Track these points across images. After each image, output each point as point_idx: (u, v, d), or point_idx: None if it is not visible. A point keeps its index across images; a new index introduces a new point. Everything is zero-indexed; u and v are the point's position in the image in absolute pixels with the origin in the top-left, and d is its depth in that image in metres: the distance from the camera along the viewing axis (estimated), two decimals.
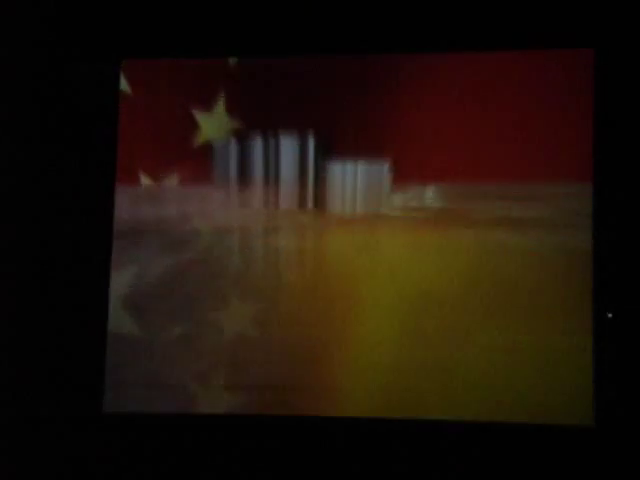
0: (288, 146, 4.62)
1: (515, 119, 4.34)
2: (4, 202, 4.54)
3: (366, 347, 4.27)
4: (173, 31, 4.67)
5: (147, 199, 4.72)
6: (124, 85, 4.71)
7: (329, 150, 4.56)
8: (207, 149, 4.69)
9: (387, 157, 4.48)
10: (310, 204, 4.51)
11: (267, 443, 4.41)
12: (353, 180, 4.52)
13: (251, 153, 4.65)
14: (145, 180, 4.76)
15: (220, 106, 4.70)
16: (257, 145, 4.65)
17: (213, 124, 4.68)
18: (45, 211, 4.68)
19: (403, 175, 4.46)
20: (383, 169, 4.51)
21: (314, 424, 4.42)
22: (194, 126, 4.68)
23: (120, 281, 4.69)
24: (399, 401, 4.26)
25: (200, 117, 4.69)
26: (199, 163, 4.68)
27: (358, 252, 4.36)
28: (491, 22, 4.43)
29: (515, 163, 4.35)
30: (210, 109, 4.70)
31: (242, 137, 4.64)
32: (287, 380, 4.37)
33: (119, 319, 4.65)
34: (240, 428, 4.48)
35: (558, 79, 4.26)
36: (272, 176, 4.61)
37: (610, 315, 4.18)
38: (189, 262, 4.57)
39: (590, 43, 4.33)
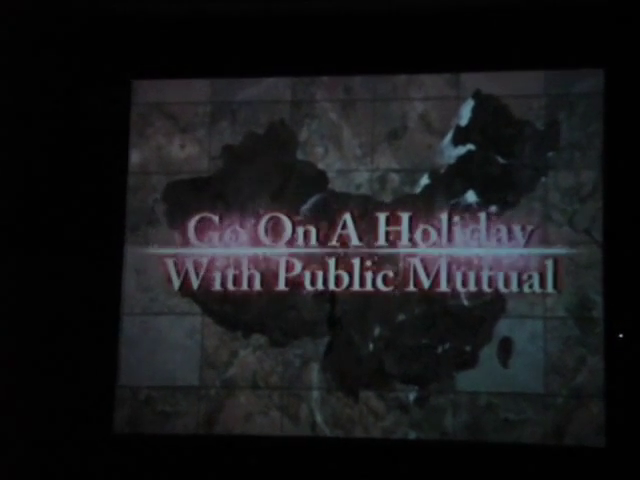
0: None
1: None
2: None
3: None
4: (180, 54, 4.99)
5: None
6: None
7: None
8: None
9: None
10: None
11: (281, 463, 4.77)
12: None
13: None
14: None
15: None
16: None
17: None
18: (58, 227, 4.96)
19: None
20: None
21: (327, 444, 4.83)
22: None
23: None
24: None
25: None
26: None
27: None
28: (507, 43, 4.81)
29: None
30: None
31: None
32: None
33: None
34: (252, 448, 4.85)
35: None
36: None
37: (621, 336, 4.59)
38: None
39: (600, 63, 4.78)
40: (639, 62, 4.77)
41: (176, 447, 4.83)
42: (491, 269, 4.84)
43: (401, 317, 4.88)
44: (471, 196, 4.91)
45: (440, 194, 4.94)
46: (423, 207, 4.94)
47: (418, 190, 4.97)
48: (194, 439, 4.85)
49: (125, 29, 5.02)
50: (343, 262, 4.94)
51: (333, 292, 4.92)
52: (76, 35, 4.99)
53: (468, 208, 4.91)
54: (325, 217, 5.00)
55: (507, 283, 4.81)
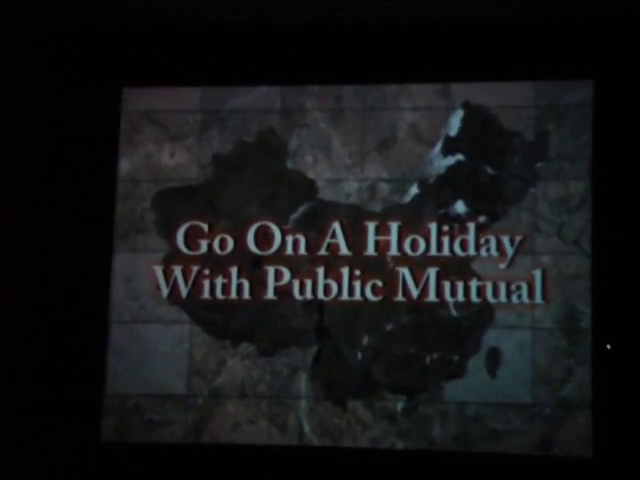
0: None
1: None
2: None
3: None
4: (170, 62, 5.00)
5: None
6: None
7: None
8: None
9: None
10: None
11: (268, 472, 4.76)
12: None
13: None
14: None
15: None
16: None
17: None
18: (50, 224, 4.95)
19: None
20: None
21: (313, 454, 4.83)
22: None
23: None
24: None
25: None
26: None
27: None
28: (495, 53, 4.84)
29: None
30: None
31: None
32: None
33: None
34: (240, 457, 4.82)
35: None
36: None
37: (609, 347, 4.61)
38: None
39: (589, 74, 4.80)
40: (628, 73, 4.75)
41: (164, 456, 4.81)
42: (479, 279, 4.85)
43: (389, 327, 4.86)
44: (460, 206, 4.90)
45: (429, 204, 4.93)
46: (412, 217, 4.94)
47: (407, 200, 4.96)
48: (182, 447, 4.83)
49: (115, 37, 5.00)
50: (332, 271, 4.93)
51: (321, 301, 4.91)
52: (66, 42, 4.98)
53: (457, 218, 4.90)
54: (315, 226, 4.99)
55: (495, 293, 4.81)
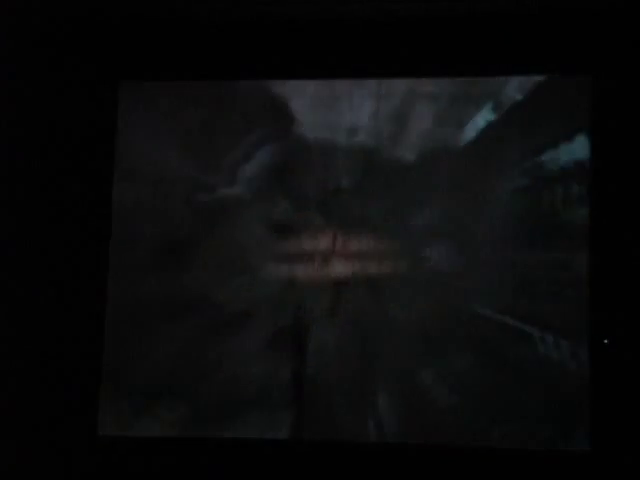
0: None
1: None
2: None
3: None
4: (169, 54, 4.36)
5: None
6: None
7: None
8: None
9: None
10: None
11: (267, 467, 3.77)
12: None
13: None
14: None
15: None
16: None
17: None
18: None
19: None
20: None
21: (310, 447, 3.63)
22: None
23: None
24: None
25: None
26: None
27: None
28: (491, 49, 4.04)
29: None
30: None
31: None
32: None
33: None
34: (235, 452, 3.87)
35: None
36: None
37: (606, 341, 4.10)
38: None
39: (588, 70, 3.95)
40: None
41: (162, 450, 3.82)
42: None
43: (425, 373, 3.03)
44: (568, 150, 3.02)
45: (510, 145, 3.06)
46: (475, 171, 3.03)
47: (469, 138, 3.11)
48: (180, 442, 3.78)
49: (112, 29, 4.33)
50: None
51: (302, 324, 3.06)
52: (64, 35, 4.36)
53: (561, 174, 3.02)
54: (286, 193, 3.16)
55: None
